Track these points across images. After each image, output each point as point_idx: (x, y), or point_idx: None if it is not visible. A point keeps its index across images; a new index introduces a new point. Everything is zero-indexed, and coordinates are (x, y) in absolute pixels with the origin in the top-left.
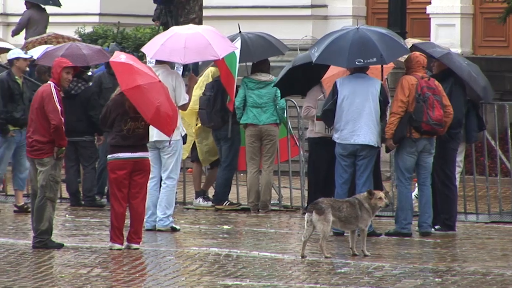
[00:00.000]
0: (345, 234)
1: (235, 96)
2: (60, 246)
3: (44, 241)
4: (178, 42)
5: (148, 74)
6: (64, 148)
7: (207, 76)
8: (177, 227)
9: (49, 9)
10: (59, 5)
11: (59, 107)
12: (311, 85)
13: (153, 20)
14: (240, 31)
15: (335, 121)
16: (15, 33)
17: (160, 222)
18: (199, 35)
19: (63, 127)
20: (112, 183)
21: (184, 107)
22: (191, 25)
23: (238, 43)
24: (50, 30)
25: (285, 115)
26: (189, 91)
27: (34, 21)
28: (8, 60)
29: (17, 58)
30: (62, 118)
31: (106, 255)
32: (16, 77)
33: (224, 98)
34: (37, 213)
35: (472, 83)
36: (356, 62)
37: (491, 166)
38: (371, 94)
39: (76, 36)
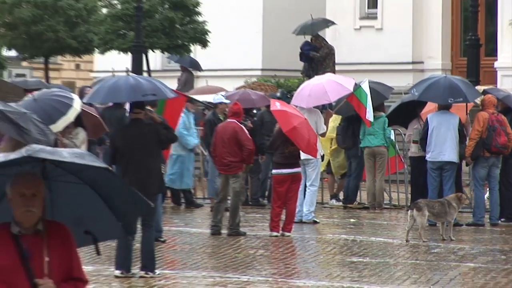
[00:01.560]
0: (437, 224)
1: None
2: (244, 234)
3: (238, 230)
4: (305, 91)
5: (296, 115)
6: (252, 164)
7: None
8: (317, 220)
9: (228, 64)
10: (200, 69)
11: (250, 137)
12: (411, 118)
13: (301, 74)
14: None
15: (427, 145)
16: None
17: (305, 216)
18: (320, 84)
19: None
20: (276, 192)
21: (323, 135)
22: (322, 75)
23: (366, 83)
24: (230, 81)
25: (394, 140)
26: (326, 123)
27: (188, 81)
28: (214, 103)
29: (221, 102)
30: None
31: (267, 240)
32: (219, 116)
33: (354, 127)
34: (233, 211)
35: None
36: (449, 100)
37: None
38: (452, 125)
39: (245, 84)
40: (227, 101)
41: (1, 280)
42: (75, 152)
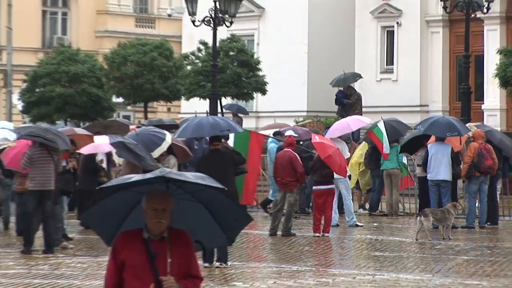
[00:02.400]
0: (438, 227)
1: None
2: (294, 234)
3: (289, 232)
4: (334, 127)
5: (331, 145)
6: (303, 184)
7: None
8: (360, 224)
9: (282, 107)
10: (246, 113)
11: (301, 162)
12: (417, 148)
13: (336, 114)
14: (382, 118)
15: (427, 168)
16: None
17: (349, 222)
18: (344, 121)
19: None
20: (316, 203)
21: (347, 159)
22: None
23: (381, 123)
24: (282, 120)
25: (406, 163)
26: (350, 152)
27: (237, 123)
28: (284, 135)
29: (290, 135)
30: None
31: (311, 239)
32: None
33: (377, 154)
34: (288, 217)
35: (503, 146)
36: (447, 134)
37: None
38: (446, 152)
39: (295, 123)
40: (296, 135)
41: (133, 276)
42: (196, 175)
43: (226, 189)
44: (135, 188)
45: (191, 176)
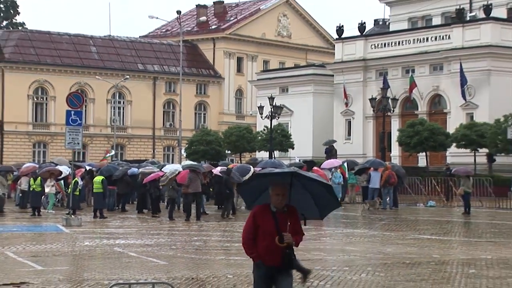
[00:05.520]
0: (369, 208)
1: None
2: None
3: None
4: (325, 163)
5: (319, 171)
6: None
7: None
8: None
9: (301, 154)
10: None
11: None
12: (362, 173)
13: (325, 158)
14: (346, 160)
15: (369, 182)
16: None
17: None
18: (330, 161)
19: None
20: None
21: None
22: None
23: (346, 163)
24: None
25: (357, 180)
26: (332, 175)
27: None
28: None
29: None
30: None
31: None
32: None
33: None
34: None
35: (398, 172)
36: (377, 166)
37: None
38: (378, 176)
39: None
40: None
41: (264, 234)
42: (315, 175)
43: (329, 184)
44: (271, 177)
45: (311, 174)
